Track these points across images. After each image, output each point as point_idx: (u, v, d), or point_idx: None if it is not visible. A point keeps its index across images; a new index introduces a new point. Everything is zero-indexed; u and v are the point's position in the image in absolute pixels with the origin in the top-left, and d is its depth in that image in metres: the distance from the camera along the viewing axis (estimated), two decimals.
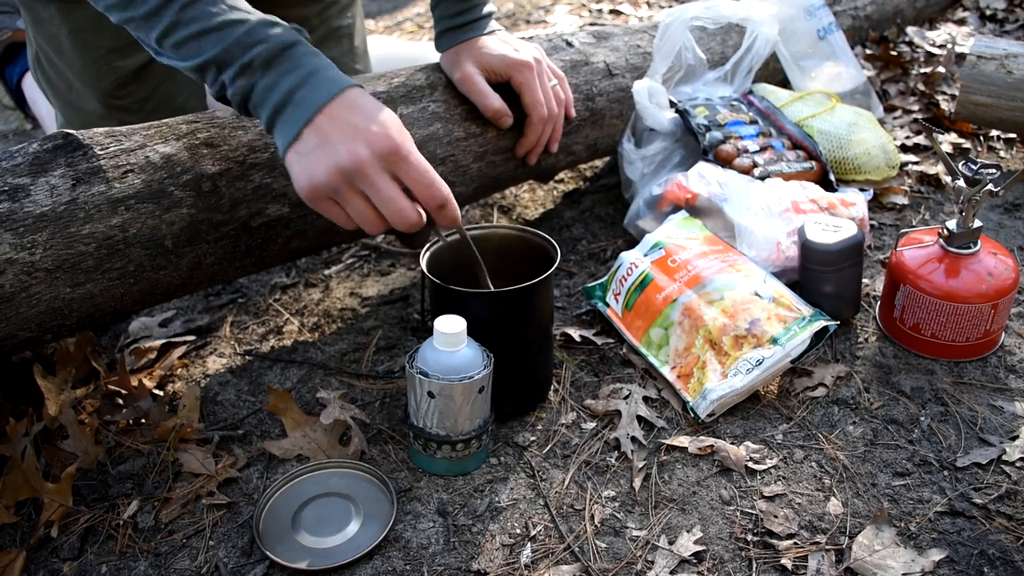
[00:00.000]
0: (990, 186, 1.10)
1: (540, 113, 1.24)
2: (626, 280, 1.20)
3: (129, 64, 1.36)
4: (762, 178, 1.36)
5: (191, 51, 0.94)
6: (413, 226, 0.93)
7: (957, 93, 1.75)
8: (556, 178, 1.64)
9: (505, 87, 1.24)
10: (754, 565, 0.90)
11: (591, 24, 2.54)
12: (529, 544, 0.93)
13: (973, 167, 1.11)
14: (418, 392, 0.96)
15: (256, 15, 0.94)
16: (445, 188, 0.94)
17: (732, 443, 1.04)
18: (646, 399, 1.11)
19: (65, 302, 0.96)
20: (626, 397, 1.11)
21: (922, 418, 1.08)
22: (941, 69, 1.98)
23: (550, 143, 1.31)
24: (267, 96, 0.93)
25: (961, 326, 1.13)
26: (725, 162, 1.39)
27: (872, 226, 1.45)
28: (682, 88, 1.53)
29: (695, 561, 0.90)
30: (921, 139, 1.72)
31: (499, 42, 1.24)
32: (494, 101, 1.22)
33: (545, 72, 1.26)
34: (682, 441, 1.05)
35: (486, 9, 1.25)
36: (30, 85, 1.83)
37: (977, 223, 1.13)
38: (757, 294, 1.13)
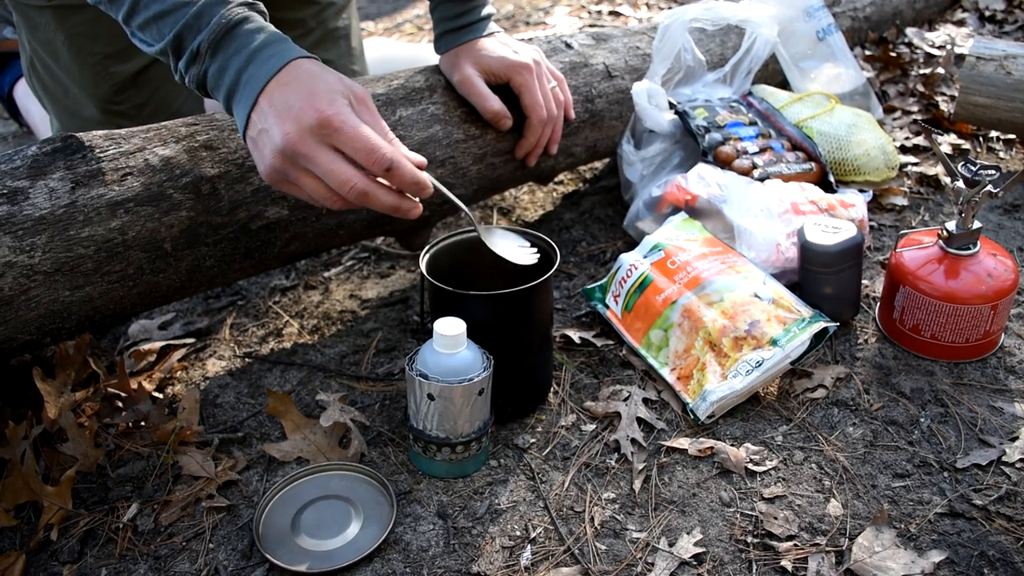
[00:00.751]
0: (989, 187, 1.10)
1: (539, 115, 1.24)
2: (626, 282, 1.20)
3: (126, 69, 1.36)
4: (761, 179, 1.36)
5: (153, 35, 0.94)
6: (363, 196, 0.90)
7: (956, 94, 1.75)
8: (556, 180, 1.64)
9: (504, 89, 1.24)
10: (754, 567, 0.90)
11: (590, 26, 2.54)
12: (529, 546, 0.93)
13: (972, 168, 1.11)
14: (418, 394, 0.96)
15: None
16: (386, 150, 0.89)
17: (732, 445, 1.04)
18: (646, 401, 1.11)
19: (64, 305, 0.96)
20: (626, 399, 1.11)
21: (922, 419, 1.08)
22: (940, 70, 1.98)
23: (549, 145, 1.31)
24: (219, 81, 0.93)
25: (961, 327, 1.13)
26: (724, 164, 1.39)
27: (871, 227, 1.45)
28: (681, 90, 1.53)
29: (695, 563, 0.90)
30: (920, 140, 1.72)
31: (498, 44, 1.24)
32: (493, 103, 1.22)
33: (544, 74, 1.26)
34: (682, 443, 1.05)
35: (485, 11, 1.25)
36: (22, 94, 1.82)
37: (976, 224, 1.13)
38: (757, 295, 1.13)
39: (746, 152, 1.41)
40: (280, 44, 0.92)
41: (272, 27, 0.95)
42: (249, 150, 0.94)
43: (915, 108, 1.86)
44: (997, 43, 1.67)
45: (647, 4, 2.71)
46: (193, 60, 0.93)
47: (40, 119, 1.76)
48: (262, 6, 0.96)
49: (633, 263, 1.21)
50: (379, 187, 0.91)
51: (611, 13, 2.65)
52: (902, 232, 1.22)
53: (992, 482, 0.99)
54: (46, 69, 1.41)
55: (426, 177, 0.93)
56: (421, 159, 0.95)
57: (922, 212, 1.51)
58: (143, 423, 1.10)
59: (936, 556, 0.89)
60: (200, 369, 1.22)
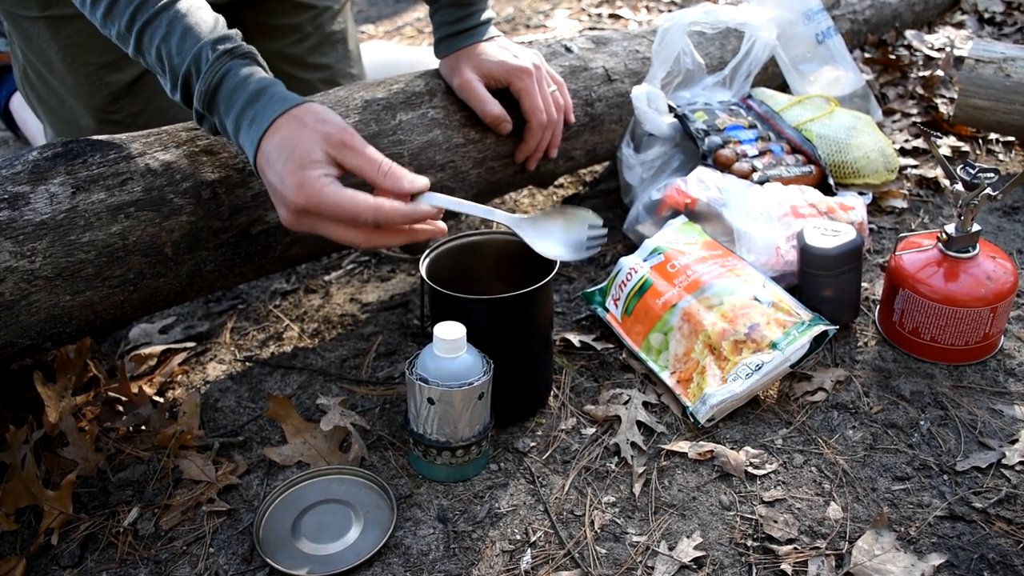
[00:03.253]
0: (988, 190, 1.11)
1: (539, 119, 1.24)
2: (625, 285, 1.21)
3: (121, 78, 1.36)
4: (761, 182, 1.36)
5: (162, 77, 0.98)
6: (374, 247, 0.96)
7: (956, 96, 1.75)
8: (556, 183, 1.64)
9: (504, 93, 1.24)
10: (754, 570, 0.90)
11: (590, 29, 2.54)
12: (529, 550, 0.93)
13: (972, 171, 1.11)
14: (418, 398, 0.96)
15: (187, 34, 0.95)
16: (367, 213, 0.91)
17: (732, 448, 1.05)
18: (646, 404, 1.11)
19: (65, 310, 0.96)
20: (626, 402, 1.11)
21: (922, 422, 1.08)
22: (940, 72, 1.98)
23: (549, 149, 1.31)
24: (227, 136, 0.98)
25: (960, 330, 1.13)
26: (724, 167, 1.39)
27: (871, 230, 1.45)
28: (681, 93, 1.54)
29: (695, 567, 0.90)
30: (920, 143, 1.72)
31: (498, 48, 1.24)
32: (493, 107, 1.22)
33: (544, 78, 1.26)
34: (682, 446, 1.05)
35: (485, 15, 1.25)
36: (18, 106, 1.81)
37: (976, 227, 1.13)
38: (756, 299, 1.13)
39: (746, 155, 1.41)
40: (257, 103, 0.94)
41: (251, 72, 0.96)
42: None
43: (914, 111, 1.86)
44: (996, 45, 1.68)
45: (647, 7, 2.72)
46: (200, 119, 0.98)
47: (37, 130, 1.75)
48: (243, 45, 0.97)
49: (633, 266, 1.21)
50: (384, 234, 0.94)
51: (611, 16, 2.66)
52: (901, 235, 1.22)
53: (992, 485, 0.99)
54: (40, 79, 1.40)
55: (425, 207, 0.95)
56: (422, 182, 0.96)
57: (921, 215, 1.52)
58: (144, 427, 1.11)
59: (936, 559, 0.89)
60: (201, 373, 1.22)
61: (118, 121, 1.39)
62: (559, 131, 1.30)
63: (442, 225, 0.97)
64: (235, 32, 0.98)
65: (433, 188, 0.98)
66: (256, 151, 0.93)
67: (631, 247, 1.38)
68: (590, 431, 1.08)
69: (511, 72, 1.22)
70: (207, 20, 0.97)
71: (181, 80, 0.96)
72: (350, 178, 0.94)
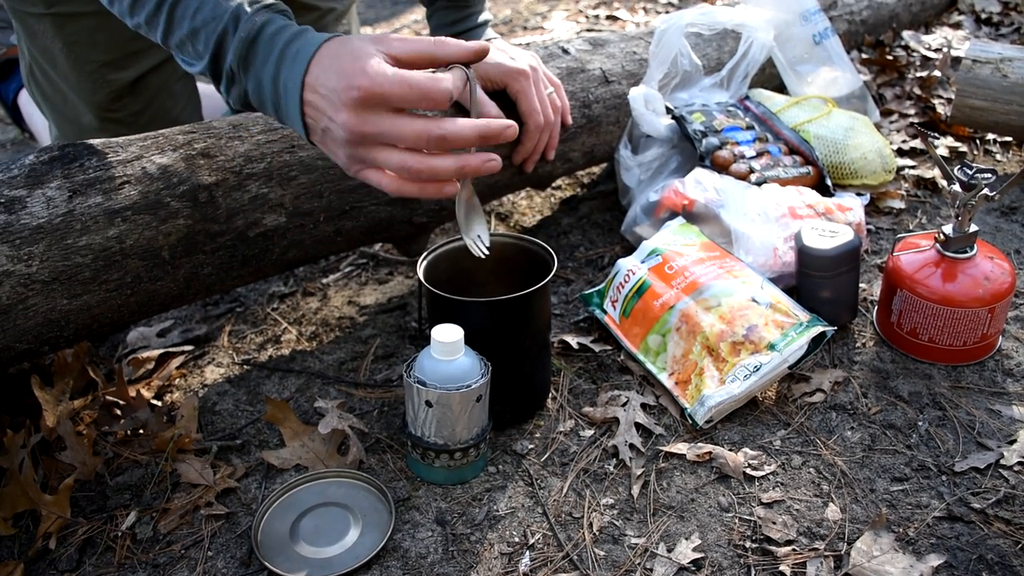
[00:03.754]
0: (986, 190, 1.11)
1: (537, 121, 1.25)
2: (623, 287, 1.21)
3: (124, 77, 1.37)
4: (759, 183, 1.36)
5: (191, 54, 0.94)
6: (441, 140, 0.84)
7: (953, 97, 1.75)
8: (553, 185, 1.64)
9: (502, 95, 1.24)
10: (753, 572, 0.90)
11: (587, 31, 2.54)
12: (528, 552, 0.93)
13: (969, 171, 1.11)
14: (416, 401, 0.96)
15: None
16: (444, 83, 0.84)
17: (730, 450, 1.04)
18: (644, 406, 1.11)
19: (62, 313, 0.96)
20: (624, 404, 1.11)
21: (920, 423, 1.08)
22: (937, 73, 1.98)
23: (547, 150, 1.31)
24: (261, 97, 0.91)
25: (958, 330, 1.13)
26: (722, 168, 1.39)
27: (869, 231, 1.45)
28: (678, 94, 1.54)
29: (694, 568, 0.90)
30: (917, 143, 1.72)
31: (495, 50, 1.24)
32: (490, 109, 1.22)
33: (541, 80, 1.26)
34: (680, 448, 1.05)
35: (482, 17, 1.25)
36: (26, 101, 1.83)
37: (973, 227, 1.13)
38: (754, 300, 1.13)
39: (743, 156, 1.42)
40: (301, 38, 0.89)
41: (290, 23, 0.92)
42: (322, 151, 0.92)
43: (912, 111, 1.86)
44: (993, 46, 1.68)
45: (644, 9, 2.72)
46: (231, 82, 0.92)
47: (42, 126, 1.77)
48: (280, 3, 0.94)
49: (631, 268, 1.21)
50: (456, 124, 0.86)
51: (608, 18, 2.66)
52: (899, 235, 1.22)
53: (990, 485, 0.99)
54: (44, 76, 1.41)
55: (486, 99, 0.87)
56: (480, 44, 0.90)
57: (919, 215, 1.52)
58: (141, 431, 1.10)
59: (934, 560, 0.89)
60: (198, 376, 1.22)
61: (119, 119, 1.40)
62: (556, 133, 1.30)
63: (497, 162, 0.89)
64: None
65: None
66: (303, 78, 0.87)
67: (629, 249, 1.38)
68: (588, 433, 1.08)
69: (508, 74, 1.22)
70: None
71: (215, 42, 0.91)
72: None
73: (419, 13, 2.87)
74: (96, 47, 1.33)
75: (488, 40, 1.25)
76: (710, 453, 1.03)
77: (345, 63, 0.84)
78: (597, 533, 0.95)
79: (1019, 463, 1.01)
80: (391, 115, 0.85)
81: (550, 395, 1.14)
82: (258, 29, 0.90)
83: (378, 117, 0.84)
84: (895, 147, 1.70)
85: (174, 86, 1.44)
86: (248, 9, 0.91)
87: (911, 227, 1.48)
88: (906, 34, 2.20)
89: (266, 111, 0.93)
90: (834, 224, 1.20)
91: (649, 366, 1.15)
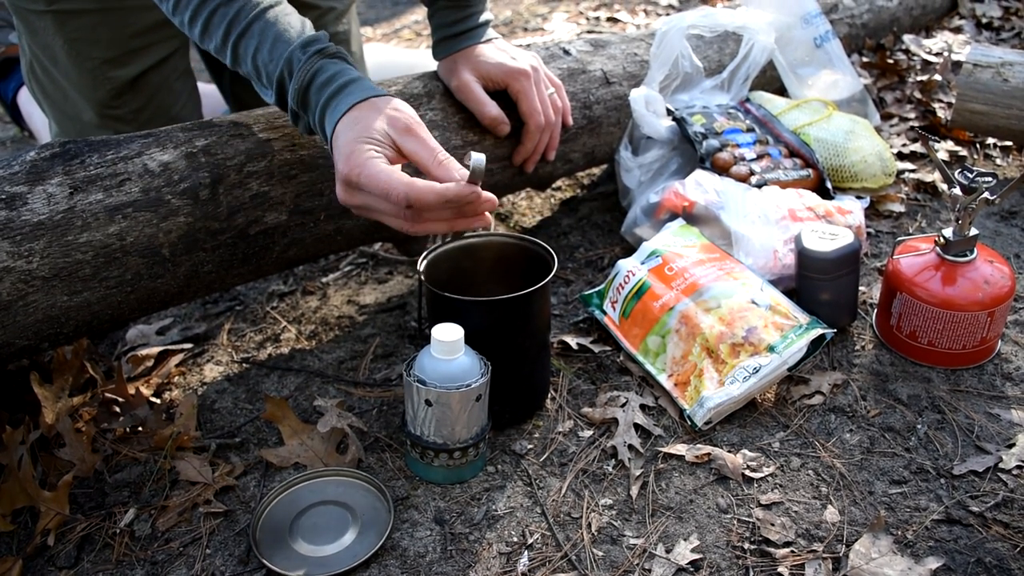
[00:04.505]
0: (986, 194, 1.11)
1: (537, 121, 1.25)
2: (623, 288, 1.21)
3: (124, 74, 1.36)
4: (759, 186, 1.36)
5: (260, 87, 1.03)
6: (417, 226, 0.96)
7: (953, 101, 1.75)
8: (554, 186, 1.65)
9: (502, 95, 1.24)
10: (751, 573, 0.90)
11: (588, 32, 2.54)
12: (526, 552, 0.93)
13: (969, 175, 1.12)
14: (415, 400, 0.96)
15: (279, 40, 1.00)
16: (399, 189, 0.91)
17: (729, 451, 1.05)
18: (643, 407, 1.11)
19: (62, 310, 0.96)
20: (623, 405, 1.11)
21: (919, 426, 1.08)
22: (937, 77, 1.99)
23: (547, 151, 1.31)
24: (319, 127, 1.01)
25: (957, 334, 1.13)
26: (722, 170, 1.40)
27: (869, 234, 1.46)
28: (679, 96, 1.54)
29: (692, 569, 0.90)
30: (917, 147, 1.72)
31: (496, 50, 1.24)
32: (491, 109, 1.22)
33: (542, 80, 1.26)
34: (679, 449, 1.05)
35: (483, 17, 1.25)
36: (25, 99, 1.83)
37: (973, 231, 1.14)
38: (754, 302, 1.13)
39: (743, 158, 1.42)
40: (339, 95, 0.98)
41: (338, 71, 0.99)
42: None
43: (912, 115, 1.86)
44: (994, 50, 1.68)
45: (645, 10, 2.72)
46: (296, 119, 1.02)
47: (42, 124, 1.77)
48: (331, 45, 1.01)
49: (631, 269, 1.21)
50: (425, 219, 0.95)
51: (609, 19, 2.66)
52: (899, 239, 1.22)
53: (989, 489, 0.99)
54: (45, 73, 1.41)
55: (457, 188, 0.93)
56: (464, 172, 0.96)
57: (919, 219, 1.52)
58: (140, 428, 1.10)
59: (933, 563, 0.89)
60: (198, 374, 1.22)
61: (120, 117, 1.40)
62: (557, 133, 1.30)
63: (488, 217, 0.99)
64: (322, 34, 1.02)
65: None
66: (333, 131, 0.97)
67: (629, 250, 1.38)
68: (587, 434, 1.08)
69: (509, 74, 1.22)
70: (295, 25, 1.01)
71: (276, 84, 1.00)
72: (410, 168, 0.97)
73: (419, 13, 2.87)
74: (97, 44, 1.33)
75: (489, 40, 1.25)
76: (709, 454, 1.04)
77: (348, 138, 0.95)
78: (596, 533, 0.95)
79: (1017, 467, 1.01)
80: (370, 195, 0.94)
81: (549, 395, 1.14)
82: (310, 78, 0.99)
83: (360, 195, 0.95)
84: (895, 150, 1.70)
85: (174, 83, 1.44)
86: (301, 56, 0.99)
87: (911, 230, 1.48)
88: (907, 38, 2.20)
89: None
90: (834, 227, 1.20)
91: (648, 367, 1.15)
